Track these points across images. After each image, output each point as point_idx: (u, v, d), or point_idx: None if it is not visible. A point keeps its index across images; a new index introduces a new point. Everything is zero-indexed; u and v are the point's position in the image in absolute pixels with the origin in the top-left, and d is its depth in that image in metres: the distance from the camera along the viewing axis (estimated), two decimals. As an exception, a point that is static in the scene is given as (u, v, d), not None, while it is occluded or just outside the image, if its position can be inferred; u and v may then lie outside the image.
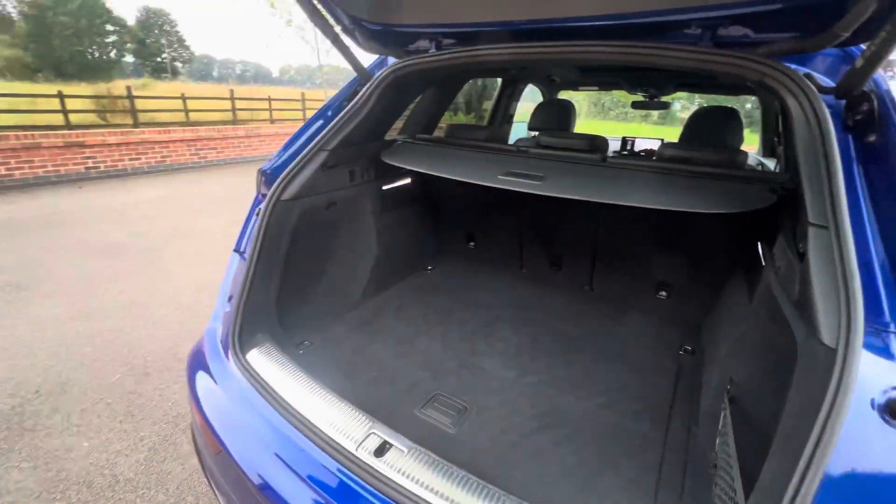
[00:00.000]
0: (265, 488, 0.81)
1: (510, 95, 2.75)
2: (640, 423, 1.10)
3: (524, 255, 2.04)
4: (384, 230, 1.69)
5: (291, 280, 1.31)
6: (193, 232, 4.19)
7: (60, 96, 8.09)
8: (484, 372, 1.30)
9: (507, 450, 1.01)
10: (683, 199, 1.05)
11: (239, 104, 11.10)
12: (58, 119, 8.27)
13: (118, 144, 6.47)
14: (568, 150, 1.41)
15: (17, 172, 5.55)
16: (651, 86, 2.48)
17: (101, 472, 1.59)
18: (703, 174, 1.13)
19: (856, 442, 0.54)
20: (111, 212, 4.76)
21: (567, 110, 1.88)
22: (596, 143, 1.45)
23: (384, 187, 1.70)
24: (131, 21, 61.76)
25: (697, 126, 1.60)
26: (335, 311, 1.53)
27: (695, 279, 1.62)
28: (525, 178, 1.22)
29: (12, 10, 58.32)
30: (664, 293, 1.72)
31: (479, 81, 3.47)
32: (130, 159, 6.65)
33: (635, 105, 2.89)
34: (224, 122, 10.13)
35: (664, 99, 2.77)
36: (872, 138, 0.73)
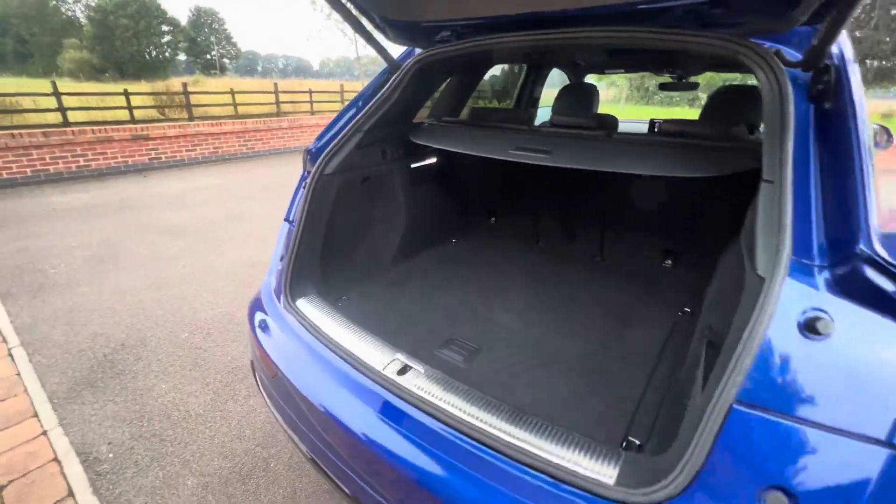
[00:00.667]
0: (310, 401, 1.03)
1: (534, 80, 2.84)
2: (629, 365, 1.23)
3: (540, 230, 2.17)
4: (412, 204, 1.87)
5: (332, 245, 1.52)
6: (244, 216, 4.58)
7: (126, 94, 8.85)
8: (495, 323, 1.47)
9: (508, 379, 1.17)
10: (672, 165, 1.16)
11: (282, 97, 11.63)
12: (124, 115, 9.07)
13: (176, 137, 7.05)
14: (578, 128, 1.53)
15: (92, 163, 6.20)
16: (675, 67, 2.51)
17: (176, 407, 1.90)
18: (695, 145, 1.23)
19: (779, 352, 0.67)
20: (172, 198, 5.26)
21: (589, 93, 1.97)
22: (604, 122, 1.56)
23: (412, 165, 1.88)
24: (184, 21, 65.26)
25: (715, 105, 1.66)
26: (369, 274, 1.74)
27: (699, 247, 1.70)
28: (533, 152, 1.36)
29: (80, 14, 62.76)
30: (670, 261, 1.82)
31: (515, 68, 3.54)
32: (187, 150, 7.23)
33: (662, 87, 2.90)
34: (269, 115, 10.69)
35: (692, 79, 2.77)
36: (828, 105, 0.82)
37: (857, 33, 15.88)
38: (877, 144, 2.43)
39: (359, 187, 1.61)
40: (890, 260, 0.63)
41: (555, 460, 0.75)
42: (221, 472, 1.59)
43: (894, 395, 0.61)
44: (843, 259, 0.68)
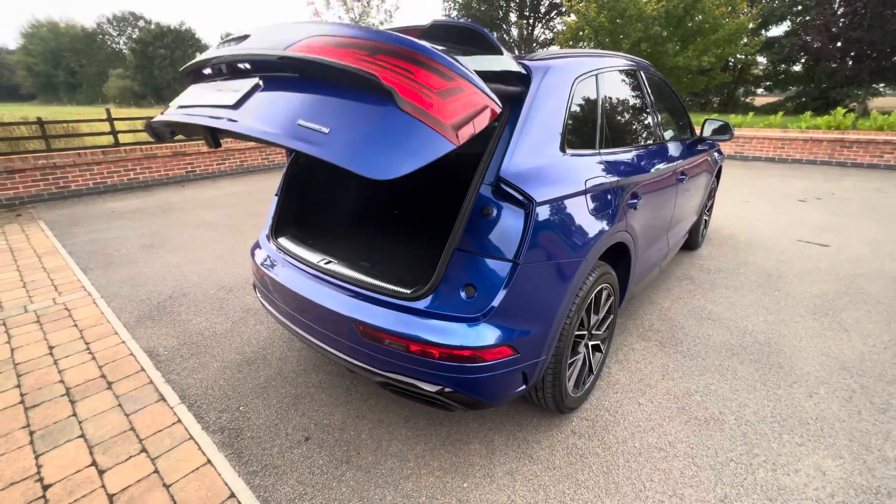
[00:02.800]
0: (281, 284, 1.84)
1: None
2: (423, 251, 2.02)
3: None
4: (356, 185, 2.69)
5: (304, 208, 2.35)
6: (261, 213, 5.53)
7: (166, 117, 10.16)
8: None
9: (369, 266, 1.96)
10: None
11: (301, 115, 12.84)
12: (164, 135, 10.36)
13: (209, 153, 8.18)
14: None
15: (140, 176, 7.37)
16: None
17: (207, 329, 2.77)
18: None
19: (472, 225, 1.44)
20: (205, 202, 6.29)
21: None
22: None
23: None
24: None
25: None
26: (328, 230, 2.55)
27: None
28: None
29: (123, 46, 67.38)
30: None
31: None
32: (217, 164, 8.35)
33: None
34: (289, 132, 11.85)
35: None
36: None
37: (852, 34, 16.00)
38: (719, 137, 3.11)
39: (324, 168, 2.44)
40: (509, 181, 1.39)
41: (380, 285, 1.55)
42: (235, 360, 2.44)
43: (515, 239, 1.38)
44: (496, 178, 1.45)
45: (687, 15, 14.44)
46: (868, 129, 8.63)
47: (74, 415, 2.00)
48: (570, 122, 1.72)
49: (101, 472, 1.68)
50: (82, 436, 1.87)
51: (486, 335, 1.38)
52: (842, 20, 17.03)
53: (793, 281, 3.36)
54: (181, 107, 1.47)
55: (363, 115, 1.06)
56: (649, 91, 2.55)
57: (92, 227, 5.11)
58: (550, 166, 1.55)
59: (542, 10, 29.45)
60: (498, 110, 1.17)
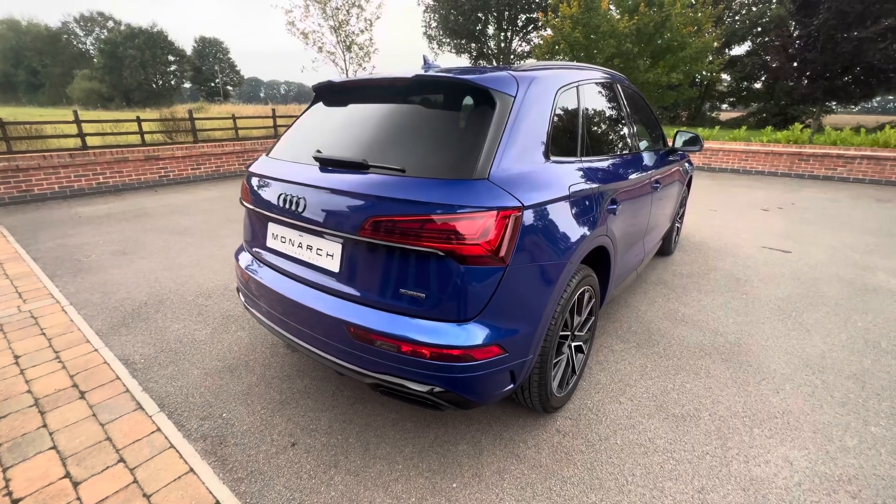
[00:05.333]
0: (268, 287, 1.83)
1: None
2: None
3: None
4: None
5: None
6: (239, 219, 5.43)
7: (138, 120, 9.85)
8: None
9: None
10: None
11: (280, 121, 12.68)
12: (135, 139, 10.06)
13: (183, 157, 7.98)
14: None
15: (111, 180, 7.11)
16: None
17: (186, 336, 2.70)
18: None
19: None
20: (180, 207, 6.13)
21: None
22: None
23: None
24: (189, 51, 67.98)
25: None
26: None
27: None
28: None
29: (90, 46, 65.12)
30: None
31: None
32: (192, 169, 8.15)
33: None
34: (267, 137, 11.68)
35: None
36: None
37: (807, 55, 17.12)
38: (690, 148, 3.28)
39: None
40: (499, 185, 1.44)
41: None
42: (216, 367, 2.38)
43: (505, 242, 1.42)
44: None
45: (657, 33, 15.11)
46: (823, 144, 9.22)
47: (45, 426, 1.91)
48: (554, 130, 1.79)
49: (75, 485, 1.61)
50: (54, 447, 1.79)
51: (476, 335, 1.42)
52: (797, 42, 18.18)
53: (759, 285, 3.55)
54: None
55: None
56: (626, 103, 2.67)
57: (58, 232, 4.90)
58: (536, 172, 1.61)
59: (520, 23, 30.20)
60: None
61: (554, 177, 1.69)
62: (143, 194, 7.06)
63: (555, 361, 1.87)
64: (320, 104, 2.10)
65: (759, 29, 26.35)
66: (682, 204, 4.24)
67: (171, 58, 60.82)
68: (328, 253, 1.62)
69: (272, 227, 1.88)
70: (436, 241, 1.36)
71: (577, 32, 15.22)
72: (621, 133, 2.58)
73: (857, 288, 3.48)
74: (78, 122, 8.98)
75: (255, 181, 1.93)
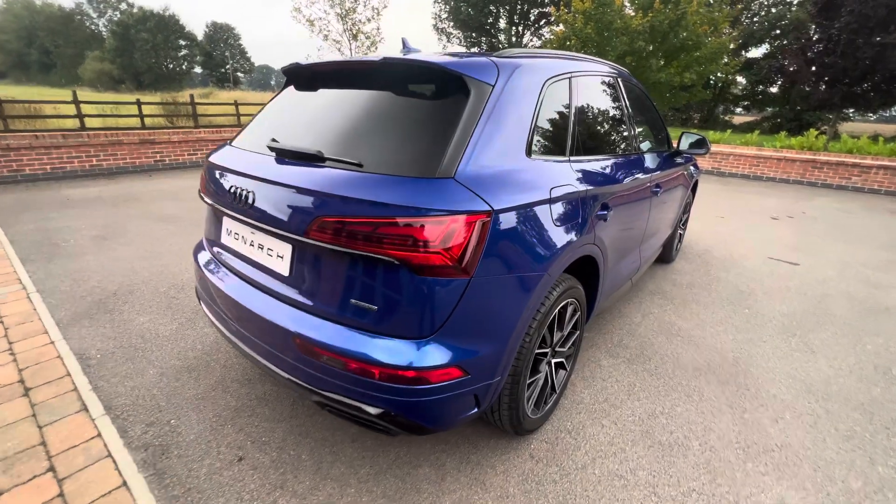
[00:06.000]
0: (213, 283, 1.67)
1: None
2: None
3: None
4: None
5: None
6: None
7: (138, 103, 9.74)
8: None
9: None
10: None
11: (282, 109, 12.55)
12: (136, 122, 9.94)
13: (180, 142, 7.84)
14: None
15: (104, 163, 6.99)
16: None
17: (149, 331, 2.55)
18: None
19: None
20: (171, 193, 5.99)
21: None
22: None
23: None
24: (200, 36, 67.87)
25: None
26: None
27: None
28: None
29: (103, 28, 65.25)
30: None
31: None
32: (189, 154, 8.01)
33: None
34: (268, 125, 11.56)
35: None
36: None
37: (826, 59, 16.63)
38: (697, 151, 3.07)
39: None
40: (466, 185, 1.26)
41: None
42: (174, 367, 2.24)
43: (469, 251, 1.25)
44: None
45: (671, 31, 14.71)
46: (838, 152, 8.90)
47: (-22, 426, 1.78)
48: (539, 125, 1.61)
49: (-5, 495, 1.48)
50: (-18, 451, 1.65)
51: (433, 355, 1.25)
52: (817, 45, 17.69)
53: (763, 299, 3.34)
54: None
55: None
56: (627, 100, 2.47)
57: (42, 214, 4.78)
58: (513, 172, 1.43)
59: (532, 17, 29.72)
60: None
61: (535, 178, 1.51)
62: (136, 178, 6.94)
63: (529, 381, 1.69)
64: (291, 88, 1.92)
65: (778, 31, 25.71)
66: (686, 210, 4.03)
67: (182, 42, 60.78)
68: (278, 254, 1.46)
69: (226, 223, 1.72)
70: (389, 247, 1.19)
71: (588, 28, 14.87)
72: (619, 132, 2.39)
73: (869, 307, 3.27)
74: (76, 102, 8.88)
75: (212, 172, 1.77)
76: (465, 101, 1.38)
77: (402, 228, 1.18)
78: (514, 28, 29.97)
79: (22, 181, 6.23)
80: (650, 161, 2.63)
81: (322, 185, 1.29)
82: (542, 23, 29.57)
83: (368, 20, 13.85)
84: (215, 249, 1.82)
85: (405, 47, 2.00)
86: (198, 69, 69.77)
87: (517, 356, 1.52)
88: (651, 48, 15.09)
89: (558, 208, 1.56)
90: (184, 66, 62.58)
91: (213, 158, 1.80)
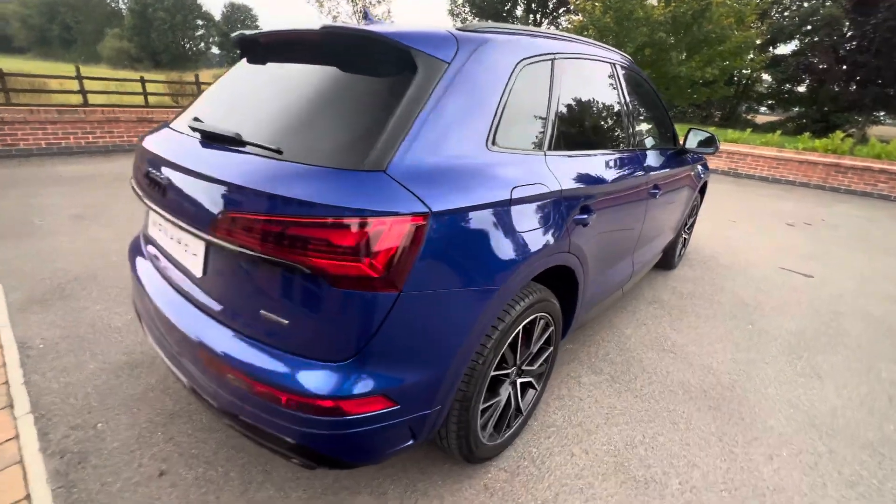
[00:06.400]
0: (137, 279, 1.50)
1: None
2: None
3: None
4: None
5: None
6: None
7: (142, 81, 9.63)
8: None
9: None
10: None
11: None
12: (140, 100, 9.85)
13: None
14: None
15: (100, 140, 6.89)
16: None
17: (101, 321, 2.41)
18: None
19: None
20: (163, 174, 5.86)
21: None
22: None
23: None
24: (218, 16, 67.72)
25: None
26: None
27: None
28: None
29: (122, 5, 65.55)
30: None
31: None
32: (188, 135, 7.89)
33: None
34: (274, 108, 11.39)
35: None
36: None
37: (859, 58, 15.79)
38: (706, 150, 2.80)
39: None
40: (398, 180, 1.05)
41: None
42: (117, 362, 2.08)
43: (399, 260, 1.04)
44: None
45: (695, 22, 14.05)
46: (865, 157, 8.42)
47: None
48: (508, 113, 1.38)
49: None
50: None
51: (350, 382, 1.05)
52: (850, 43, 16.80)
53: (770, 313, 3.08)
54: None
55: None
56: (625, 89, 2.21)
57: (29, 190, 4.68)
58: (467, 166, 1.21)
59: (550, 5, 28.89)
60: None
61: (494, 174, 1.29)
62: (132, 157, 6.82)
63: (485, 406, 1.49)
64: (244, 61, 1.71)
65: (809, 27, 24.58)
66: (693, 213, 3.75)
67: (199, 22, 60.77)
68: (193, 252, 1.27)
69: (151, 214, 1.54)
70: (299, 252, 0.99)
71: (607, 17, 14.30)
72: (612, 125, 2.13)
73: (887, 328, 2.99)
74: (80, 77, 8.78)
75: (140, 156, 1.58)
76: (410, 79, 1.16)
77: (315, 230, 0.98)
78: (531, 16, 29.18)
79: (16, 156, 6.16)
80: (650, 159, 2.37)
81: (230, 174, 1.09)
82: (560, 11, 28.73)
83: (379, 2, 13.50)
84: (144, 242, 1.64)
85: (367, 17, 1.78)
86: (215, 49, 69.81)
87: (466, 380, 1.31)
88: (672, 40, 14.46)
89: (522, 211, 1.33)
90: (201, 46, 62.66)
91: (145, 141, 1.61)
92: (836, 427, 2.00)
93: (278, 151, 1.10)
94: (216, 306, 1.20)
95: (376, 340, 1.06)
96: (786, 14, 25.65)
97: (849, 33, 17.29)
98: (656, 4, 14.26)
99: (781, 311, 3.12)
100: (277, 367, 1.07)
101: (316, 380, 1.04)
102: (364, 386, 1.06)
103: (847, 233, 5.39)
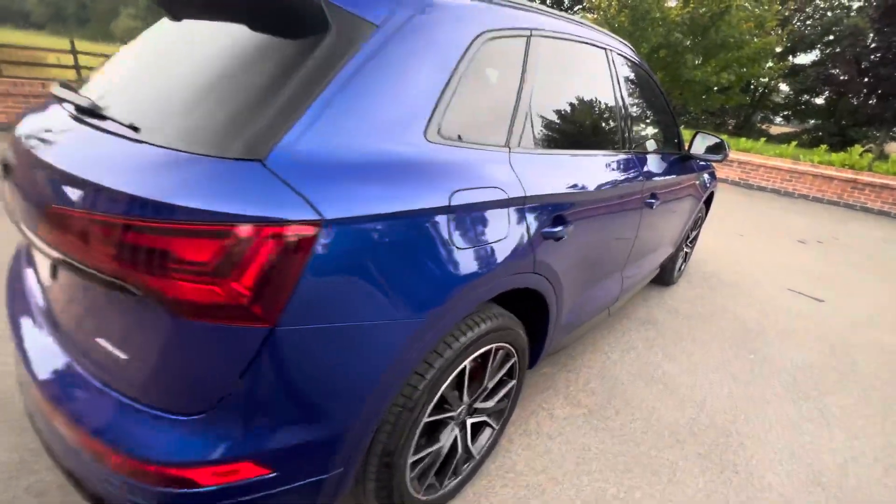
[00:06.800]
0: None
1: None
2: None
3: None
4: None
5: None
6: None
7: (139, 59, 9.43)
8: None
9: None
10: None
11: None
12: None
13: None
14: None
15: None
16: None
17: (24, 316, 2.15)
18: None
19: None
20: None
21: None
22: None
23: None
24: None
25: None
26: None
27: None
28: None
29: (138, -15, 65.60)
30: None
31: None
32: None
33: None
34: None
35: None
36: None
37: (882, 70, 15.25)
38: (714, 156, 2.50)
39: None
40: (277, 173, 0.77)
41: None
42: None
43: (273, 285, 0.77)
44: None
45: (713, 25, 13.58)
46: (885, 174, 8.02)
47: None
48: (460, 95, 1.09)
49: None
50: None
51: (205, 444, 0.78)
52: (874, 55, 16.24)
53: (774, 341, 2.78)
54: None
55: None
56: (620, 81, 1.91)
57: None
58: (390, 161, 0.93)
59: (566, 3, 28.34)
60: None
61: (431, 173, 1.00)
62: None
63: (417, 458, 1.21)
64: (165, 20, 1.43)
65: (832, 37, 23.86)
66: (697, 225, 3.44)
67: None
68: (43, 252, 1.00)
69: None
70: (134, 266, 0.71)
71: (622, 16, 13.87)
72: (601, 121, 1.84)
73: (905, 365, 2.68)
74: (74, 52, 8.58)
75: (10, 139, 1.31)
76: (316, 42, 0.88)
77: (151, 238, 0.70)
78: (547, 13, 28.59)
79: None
80: (647, 164, 2.08)
81: (62, 157, 0.82)
82: (577, 9, 28.17)
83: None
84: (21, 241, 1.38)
85: None
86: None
87: (388, 431, 1.04)
88: (689, 43, 14.01)
89: (465, 222, 1.05)
90: (214, 30, 62.42)
91: (19, 121, 1.34)
92: (845, 487, 1.71)
93: (135, 129, 0.83)
94: (55, 324, 0.94)
95: (242, 389, 0.78)
96: (808, 23, 24.92)
97: (873, 44, 16.71)
98: (673, 5, 13.80)
99: (787, 340, 2.82)
100: (106, 414, 0.80)
101: (156, 438, 0.78)
102: (223, 449, 0.79)
103: (862, 254, 5.05)
